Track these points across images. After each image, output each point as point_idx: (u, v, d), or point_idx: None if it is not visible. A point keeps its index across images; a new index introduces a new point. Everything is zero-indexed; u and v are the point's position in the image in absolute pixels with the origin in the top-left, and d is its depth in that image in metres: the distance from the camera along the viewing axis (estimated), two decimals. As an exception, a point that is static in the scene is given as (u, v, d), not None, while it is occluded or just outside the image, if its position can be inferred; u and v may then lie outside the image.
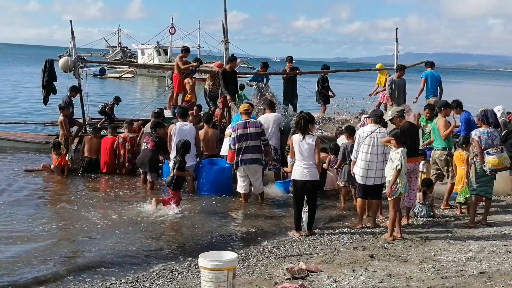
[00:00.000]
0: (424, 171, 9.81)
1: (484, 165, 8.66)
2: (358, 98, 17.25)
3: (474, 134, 8.84)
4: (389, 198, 8.05)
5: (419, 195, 9.55)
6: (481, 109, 9.11)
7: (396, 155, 7.91)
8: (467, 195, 9.51)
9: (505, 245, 7.44)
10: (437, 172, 10.28)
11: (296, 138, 8.47)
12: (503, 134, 10.71)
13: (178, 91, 14.74)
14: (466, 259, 6.87)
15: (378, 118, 8.70)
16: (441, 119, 10.15)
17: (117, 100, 16.91)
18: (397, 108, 9.45)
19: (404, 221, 8.91)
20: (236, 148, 10.12)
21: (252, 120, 10.44)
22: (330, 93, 16.58)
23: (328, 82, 16.69)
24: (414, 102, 14.67)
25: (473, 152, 8.92)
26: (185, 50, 15.04)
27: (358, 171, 8.59)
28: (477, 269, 6.33)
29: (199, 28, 39.97)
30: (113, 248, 7.57)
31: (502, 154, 8.62)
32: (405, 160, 7.89)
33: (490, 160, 8.59)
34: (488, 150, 8.62)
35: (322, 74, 16.64)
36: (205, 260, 5.50)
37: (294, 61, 16.39)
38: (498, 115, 10.88)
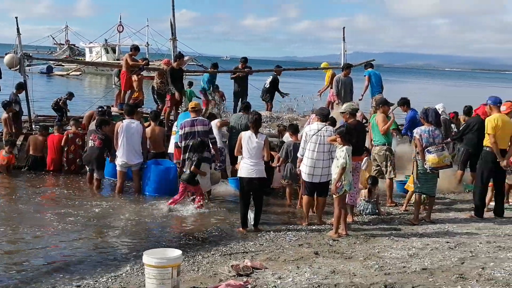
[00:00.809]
0: (363, 168, 9.92)
1: (425, 163, 8.82)
2: (309, 97, 17.42)
3: (416, 132, 8.98)
4: (334, 196, 8.12)
5: (364, 192, 9.68)
6: (423, 108, 9.31)
7: (341, 153, 7.92)
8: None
9: (447, 242, 7.56)
10: (377, 168, 10.39)
11: (245, 136, 8.45)
12: (460, 128, 10.97)
13: (125, 89, 14.56)
14: (409, 255, 6.95)
15: (324, 117, 8.75)
16: (379, 115, 10.25)
17: (71, 95, 16.86)
18: (352, 105, 9.44)
19: (349, 219, 9.02)
20: (183, 146, 10.02)
21: (200, 118, 10.37)
22: (280, 93, 16.75)
23: (278, 81, 16.80)
24: (360, 100, 14.92)
25: (415, 150, 9.08)
26: (135, 49, 14.95)
27: (304, 169, 8.62)
28: (420, 265, 6.40)
29: (148, 26, 39.58)
30: (59, 246, 7.52)
31: (442, 153, 8.75)
32: (350, 158, 7.95)
33: (430, 158, 8.72)
34: (428, 148, 8.74)
35: (275, 73, 16.69)
36: (149, 257, 5.46)
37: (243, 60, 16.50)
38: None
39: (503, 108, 10.09)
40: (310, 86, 31.42)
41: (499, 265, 6.07)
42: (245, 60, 16.21)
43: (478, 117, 11.18)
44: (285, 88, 17.18)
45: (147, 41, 41.71)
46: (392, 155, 10.27)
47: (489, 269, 5.93)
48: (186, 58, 15.96)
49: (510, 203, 10.26)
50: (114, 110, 14.35)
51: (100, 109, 12.86)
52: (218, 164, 10.89)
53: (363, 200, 9.65)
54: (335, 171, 8.03)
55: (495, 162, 9.03)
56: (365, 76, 15.06)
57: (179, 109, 14.11)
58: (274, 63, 18.13)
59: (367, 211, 9.61)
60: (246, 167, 8.39)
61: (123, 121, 10.92)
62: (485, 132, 9.17)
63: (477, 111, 11.23)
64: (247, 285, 5.83)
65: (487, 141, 9.13)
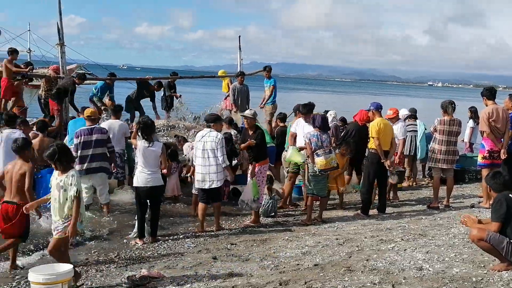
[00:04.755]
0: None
1: (315, 166, 9.23)
2: (207, 106, 17.52)
3: (306, 137, 9.40)
4: (71, 239, 6.54)
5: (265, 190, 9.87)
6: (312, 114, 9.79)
7: (70, 180, 6.05)
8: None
9: (337, 239, 7.96)
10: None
11: (140, 145, 8.38)
12: (342, 134, 11.50)
13: (7, 97, 13.59)
14: (303, 253, 7.25)
15: (207, 122, 8.97)
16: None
17: None
18: (251, 111, 9.68)
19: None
20: (79, 156, 9.66)
21: (97, 126, 10.09)
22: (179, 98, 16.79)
23: (175, 89, 16.84)
24: (261, 108, 14.94)
25: (306, 154, 9.49)
26: (13, 52, 13.66)
27: (196, 176, 8.80)
28: (312, 262, 6.71)
29: (29, 30, 37.08)
30: None
31: (329, 155, 9.20)
32: (80, 183, 6.17)
33: (319, 161, 9.14)
34: (317, 151, 9.16)
35: (169, 80, 16.71)
36: (36, 274, 5.27)
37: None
38: (330, 119, 11.66)
39: (389, 112, 10.86)
40: (209, 96, 31.70)
41: (381, 256, 6.54)
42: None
43: (356, 124, 11.55)
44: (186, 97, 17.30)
45: (29, 47, 39.35)
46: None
47: (372, 261, 6.37)
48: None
49: (391, 200, 11.06)
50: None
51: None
52: (120, 171, 10.78)
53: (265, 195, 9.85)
54: (68, 206, 6.09)
55: (380, 163, 9.67)
56: (271, 85, 14.95)
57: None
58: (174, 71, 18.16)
59: (269, 206, 9.87)
60: (143, 177, 8.28)
61: (3, 131, 10.36)
62: (370, 135, 9.78)
63: (355, 117, 11.72)
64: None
65: (372, 144, 9.74)
